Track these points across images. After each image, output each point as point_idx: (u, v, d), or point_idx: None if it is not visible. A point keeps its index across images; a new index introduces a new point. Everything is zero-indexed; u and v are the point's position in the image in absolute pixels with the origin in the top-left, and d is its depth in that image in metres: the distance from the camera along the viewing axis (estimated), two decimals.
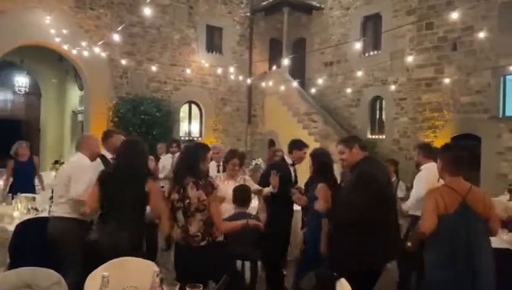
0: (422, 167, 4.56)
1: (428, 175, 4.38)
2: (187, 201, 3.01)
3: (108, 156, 4.42)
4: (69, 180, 3.78)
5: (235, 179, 4.32)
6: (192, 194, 3.00)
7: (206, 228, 3.02)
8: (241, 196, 3.75)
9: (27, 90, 14.47)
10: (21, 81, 14.29)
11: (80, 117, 13.11)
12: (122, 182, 3.25)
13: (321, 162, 4.09)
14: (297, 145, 4.88)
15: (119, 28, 8.74)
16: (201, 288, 2.22)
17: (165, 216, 3.18)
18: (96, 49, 9.64)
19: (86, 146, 4.04)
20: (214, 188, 3.05)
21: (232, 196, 3.79)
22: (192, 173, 3.09)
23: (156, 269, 2.35)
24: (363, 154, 3.44)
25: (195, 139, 12.83)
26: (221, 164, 6.10)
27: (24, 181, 6.41)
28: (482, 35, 8.20)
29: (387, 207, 3.28)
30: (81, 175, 3.76)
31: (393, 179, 5.91)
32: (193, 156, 3.18)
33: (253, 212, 3.99)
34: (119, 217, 3.19)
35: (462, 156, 3.16)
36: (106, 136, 4.63)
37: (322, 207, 3.51)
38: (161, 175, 6.80)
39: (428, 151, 4.64)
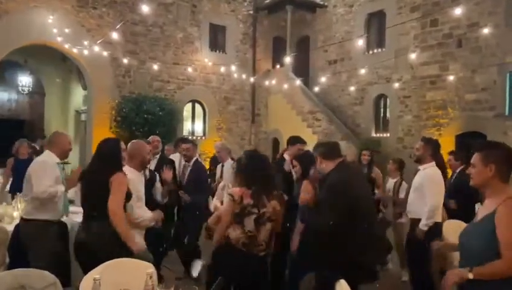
0: (427, 168, 4.25)
1: (439, 179, 4.20)
2: (263, 209, 2.99)
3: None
4: (30, 179, 3.73)
5: None
6: (269, 203, 3.02)
7: (269, 239, 3.06)
8: None
9: (30, 89, 14.53)
10: (25, 80, 14.35)
11: (83, 116, 13.13)
12: (90, 181, 3.26)
13: (307, 166, 3.98)
14: (290, 141, 4.94)
15: (118, 26, 8.73)
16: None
17: (225, 219, 3.04)
18: (99, 48, 9.63)
19: (56, 143, 3.94)
20: (283, 200, 3.14)
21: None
22: (269, 181, 3.12)
23: (150, 270, 2.30)
24: (331, 163, 3.30)
25: (198, 138, 12.80)
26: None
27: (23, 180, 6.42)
28: (487, 31, 8.08)
29: (362, 214, 3.14)
30: (42, 173, 3.71)
31: (397, 178, 5.79)
32: (267, 165, 3.21)
33: None
34: (91, 216, 3.20)
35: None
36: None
37: (303, 199, 3.47)
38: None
39: (435, 149, 4.32)
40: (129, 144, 3.82)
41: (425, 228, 4.15)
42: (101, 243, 2.98)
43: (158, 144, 5.33)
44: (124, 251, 3.05)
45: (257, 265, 3.02)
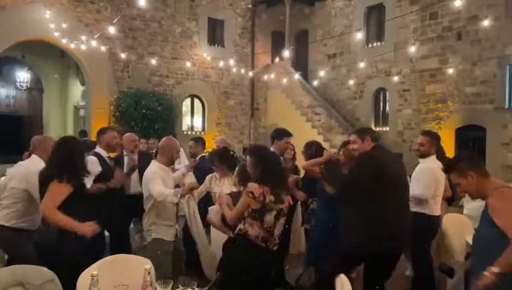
0: (430, 160, 4.23)
1: (436, 174, 4.13)
2: (283, 205, 3.04)
3: (104, 154, 4.30)
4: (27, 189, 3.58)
5: (230, 176, 4.23)
6: (286, 199, 3.07)
7: (281, 232, 3.09)
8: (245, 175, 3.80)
9: (29, 85, 14.46)
10: (23, 76, 14.29)
11: (81, 112, 13.10)
12: (41, 183, 3.14)
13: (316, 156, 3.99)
14: (276, 135, 4.76)
15: (115, 20, 8.66)
16: (195, 286, 2.16)
17: (241, 210, 3.01)
18: (97, 43, 9.56)
19: (44, 147, 3.77)
20: (290, 194, 3.17)
21: (238, 176, 3.87)
22: (284, 177, 3.17)
23: (148, 266, 2.29)
24: (373, 144, 3.48)
25: (198, 133, 12.76)
26: None
27: None
28: (487, 23, 8.04)
29: (390, 189, 3.24)
30: None
31: None
32: (279, 160, 3.26)
33: None
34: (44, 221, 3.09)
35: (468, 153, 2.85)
36: (100, 133, 4.48)
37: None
38: None
39: (439, 143, 4.31)
40: (162, 140, 3.94)
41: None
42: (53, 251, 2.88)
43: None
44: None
45: (273, 259, 3.08)
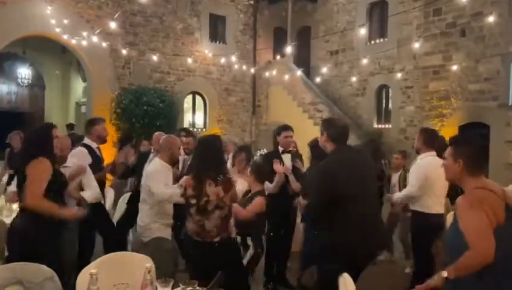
0: (420, 158, 4.20)
1: (426, 171, 4.05)
2: (205, 199, 2.89)
3: (94, 145, 4.34)
4: None
5: (245, 174, 4.22)
6: (211, 191, 2.89)
7: (222, 224, 2.96)
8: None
9: (30, 81, 14.45)
10: (24, 72, 14.28)
11: (83, 109, 13.08)
12: (17, 172, 3.18)
13: (320, 154, 3.94)
14: (277, 131, 4.84)
15: (116, 16, 8.62)
16: (195, 285, 2.13)
17: None
18: (98, 39, 9.53)
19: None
20: (232, 184, 3.01)
21: (255, 173, 3.86)
22: (212, 167, 2.98)
23: (148, 264, 2.25)
24: (332, 145, 3.09)
25: (199, 130, 12.73)
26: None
27: None
28: (491, 20, 7.97)
29: (350, 201, 2.95)
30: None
31: (400, 171, 5.61)
32: (212, 149, 3.08)
33: None
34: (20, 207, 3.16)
35: (483, 146, 2.53)
36: (91, 123, 4.50)
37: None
38: None
39: (430, 138, 4.23)
40: (162, 137, 4.00)
41: (396, 201, 4.47)
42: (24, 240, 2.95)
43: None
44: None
45: (214, 252, 2.92)
